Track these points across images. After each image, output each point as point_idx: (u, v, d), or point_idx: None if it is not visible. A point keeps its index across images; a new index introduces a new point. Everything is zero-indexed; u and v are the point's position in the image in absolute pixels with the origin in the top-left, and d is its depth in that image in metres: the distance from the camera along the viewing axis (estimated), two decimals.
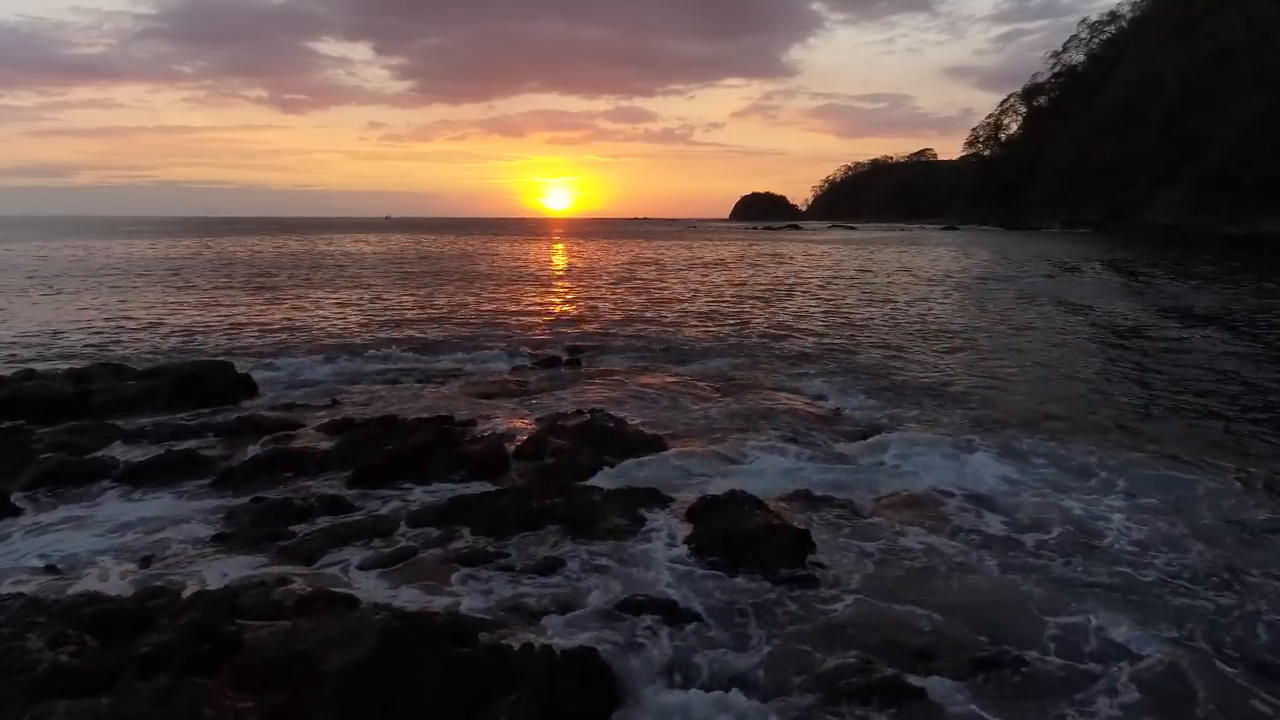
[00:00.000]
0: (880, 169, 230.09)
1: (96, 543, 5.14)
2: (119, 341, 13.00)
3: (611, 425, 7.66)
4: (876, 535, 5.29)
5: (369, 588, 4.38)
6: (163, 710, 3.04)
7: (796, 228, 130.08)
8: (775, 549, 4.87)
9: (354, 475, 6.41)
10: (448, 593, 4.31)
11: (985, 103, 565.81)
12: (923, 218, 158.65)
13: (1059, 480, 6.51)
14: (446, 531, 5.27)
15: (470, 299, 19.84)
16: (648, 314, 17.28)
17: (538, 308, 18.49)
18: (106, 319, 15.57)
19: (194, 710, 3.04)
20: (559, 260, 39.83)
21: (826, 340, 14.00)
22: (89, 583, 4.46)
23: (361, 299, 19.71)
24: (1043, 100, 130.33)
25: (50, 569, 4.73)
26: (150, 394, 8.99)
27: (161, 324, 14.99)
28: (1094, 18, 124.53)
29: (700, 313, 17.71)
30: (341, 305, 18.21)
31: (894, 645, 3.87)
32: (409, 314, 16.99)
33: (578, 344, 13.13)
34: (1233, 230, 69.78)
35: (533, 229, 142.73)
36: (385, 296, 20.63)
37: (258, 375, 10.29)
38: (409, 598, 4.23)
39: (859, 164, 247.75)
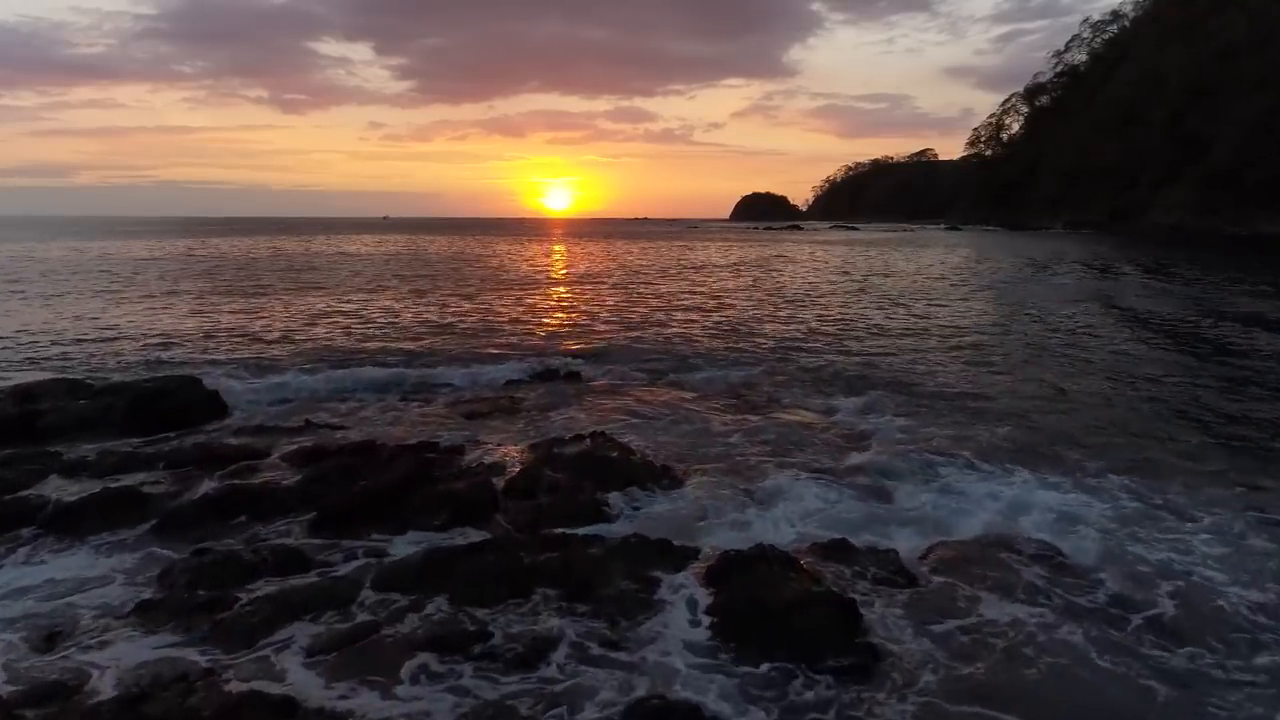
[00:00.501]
0: (881, 169, 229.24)
1: None
2: (83, 351, 12.09)
3: (615, 454, 6.79)
4: (937, 604, 4.41)
5: (310, 686, 3.49)
6: None
7: (798, 228, 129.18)
8: (816, 625, 4.00)
9: (317, 519, 5.53)
10: (407, 697, 3.43)
11: (985, 103, 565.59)
12: (923, 218, 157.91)
13: (1144, 524, 5.63)
14: (417, 598, 4.39)
15: (465, 304, 18.92)
16: (652, 320, 16.38)
17: (535, 314, 17.55)
18: (76, 325, 14.66)
19: None
20: (558, 262, 38.91)
21: (844, 349, 13.11)
22: None
23: (351, 304, 18.79)
24: (1045, 100, 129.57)
25: None
26: (103, 415, 8.10)
27: (135, 331, 14.08)
28: (1096, 17, 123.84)
29: (707, 319, 16.79)
30: (329, 311, 17.29)
31: None
32: (400, 320, 16.09)
33: (578, 354, 12.25)
34: (1237, 231, 69.05)
35: (532, 229, 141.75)
36: (376, 301, 19.73)
37: (229, 390, 9.42)
38: (358, 703, 3.35)
39: (859, 164, 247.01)
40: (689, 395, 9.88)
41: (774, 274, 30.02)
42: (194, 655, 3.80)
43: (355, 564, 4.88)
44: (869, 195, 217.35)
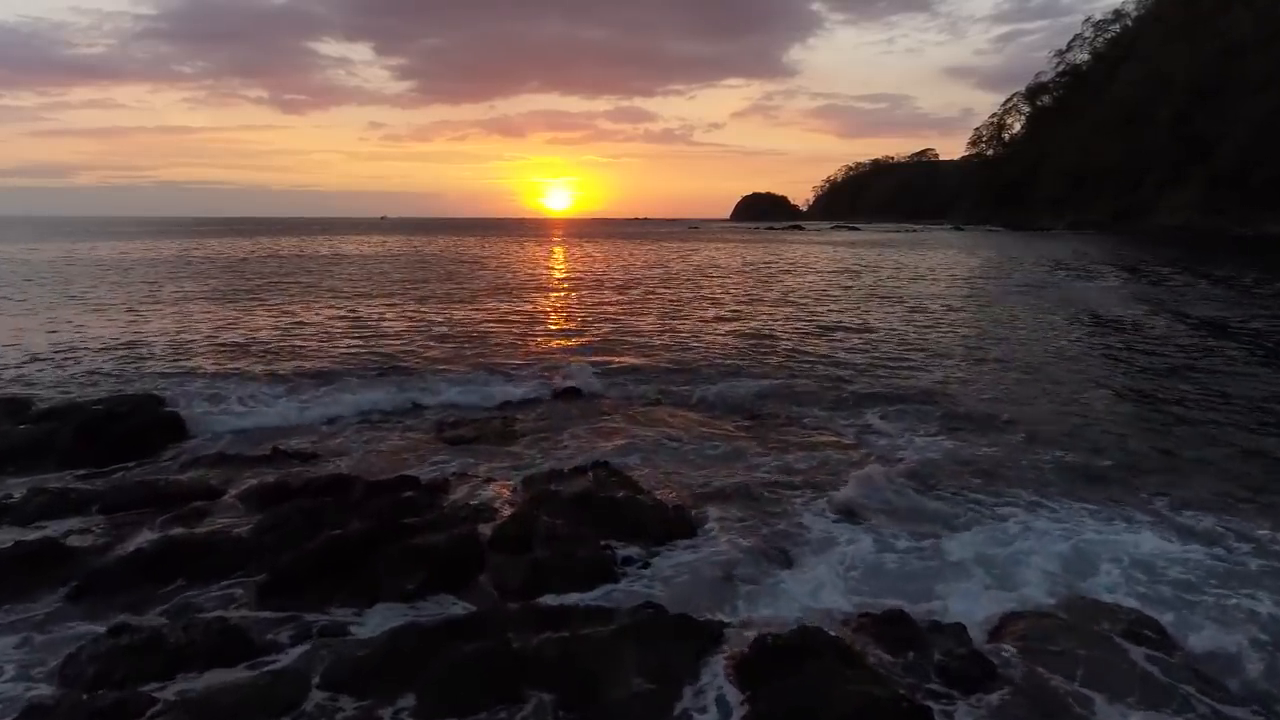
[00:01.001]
0: (881, 169, 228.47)
1: None
2: (42, 364, 11.15)
3: (621, 494, 5.88)
4: (1035, 709, 3.50)
5: None
6: None
7: (799, 228, 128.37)
8: None
9: (267, 582, 4.63)
10: None
11: (985, 103, 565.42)
12: (924, 218, 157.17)
13: (1245, 581, 4.74)
14: (376, 702, 3.49)
15: (459, 310, 17.95)
16: (657, 329, 15.42)
17: (533, 321, 16.57)
18: (40, 334, 13.74)
19: None
20: (558, 265, 37.95)
21: (865, 358, 12.19)
22: None
23: (340, 310, 17.86)
24: (1047, 100, 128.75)
25: None
26: (44, 442, 7.20)
27: (106, 340, 13.14)
28: (1098, 16, 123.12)
29: (717, 325, 15.84)
30: (317, 318, 16.35)
31: None
32: (390, 328, 15.16)
33: (577, 366, 11.31)
34: (1243, 231, 68.30)
35: (532, 229, 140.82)
36: (367, 307, 18.81)
37: (194, 411, 8.52)
38: None
39: (860, 164, 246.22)
40: (701, 414, 8.99)
41: (781, 276, 29.09)
42: None
43: (305, 648, 3.97)
44: (870, 195, 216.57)
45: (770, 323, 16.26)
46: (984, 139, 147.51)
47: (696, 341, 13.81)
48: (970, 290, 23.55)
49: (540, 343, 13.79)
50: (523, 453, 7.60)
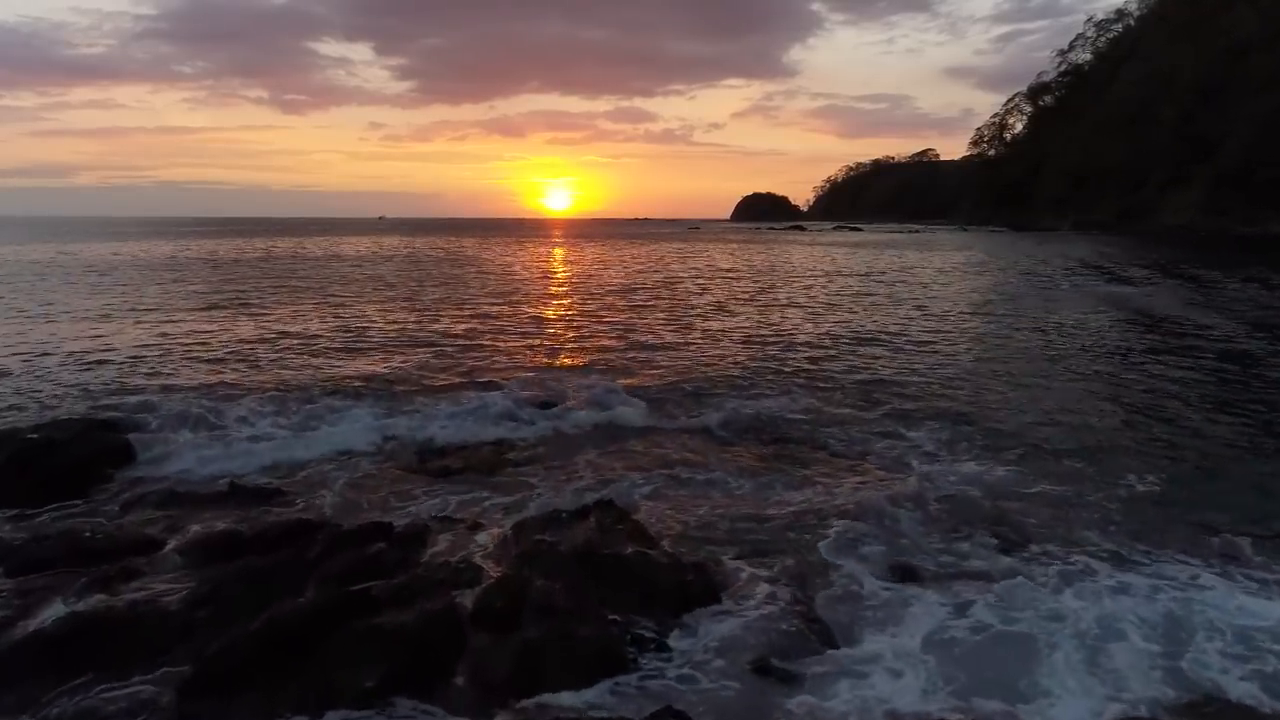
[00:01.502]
0: (882, 169, 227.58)
1: None
2: None
3: (630, 549, 4.96)
4: None
5: None
6: None
7: (801, 228, 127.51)
8: None
9: (191, 679, 3.70)
10: None
11: (985, 103, 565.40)
12: (925, 218, 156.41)
13: None
14: None
15: (451, 320, 16.82)
16: (663, 339, 14.42)
17: (530, 332, 15.47)
18: (5, 345, 12.80)
19: None
20: (558, 267, 36.97)
21: (892, 372, 11.21)
22: None
23: (324, 318, 16.85)
24: (1049, 99, 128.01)
25: None
26: None
27: (64, 353, 12.10)
28: (1100, 16, 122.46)
29: (727, 336, 14.78)
30: (298, 329, 15.24)
31: None
32: (376, 339, 14.16)
33: (578, 382, 10.37)
34: (1248, 231, 67.63)
35: (532, 230, 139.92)
36: (353, 315, 17.86)
37: (148, 438, 7.60)
38: None
39: (860, 164, 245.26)
40: (716, 437, 8.07)
41: (789, 280, 28.12)
42: None
43: None
44: (870, 195, 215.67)
45: (783, 331, 15.31)
46: (985, 139, 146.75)
47: (706, 353, 12.81)
48: (995, 294, 22.52)
49: (536, 355, 12.80)
50: (515, 487, 6.69)
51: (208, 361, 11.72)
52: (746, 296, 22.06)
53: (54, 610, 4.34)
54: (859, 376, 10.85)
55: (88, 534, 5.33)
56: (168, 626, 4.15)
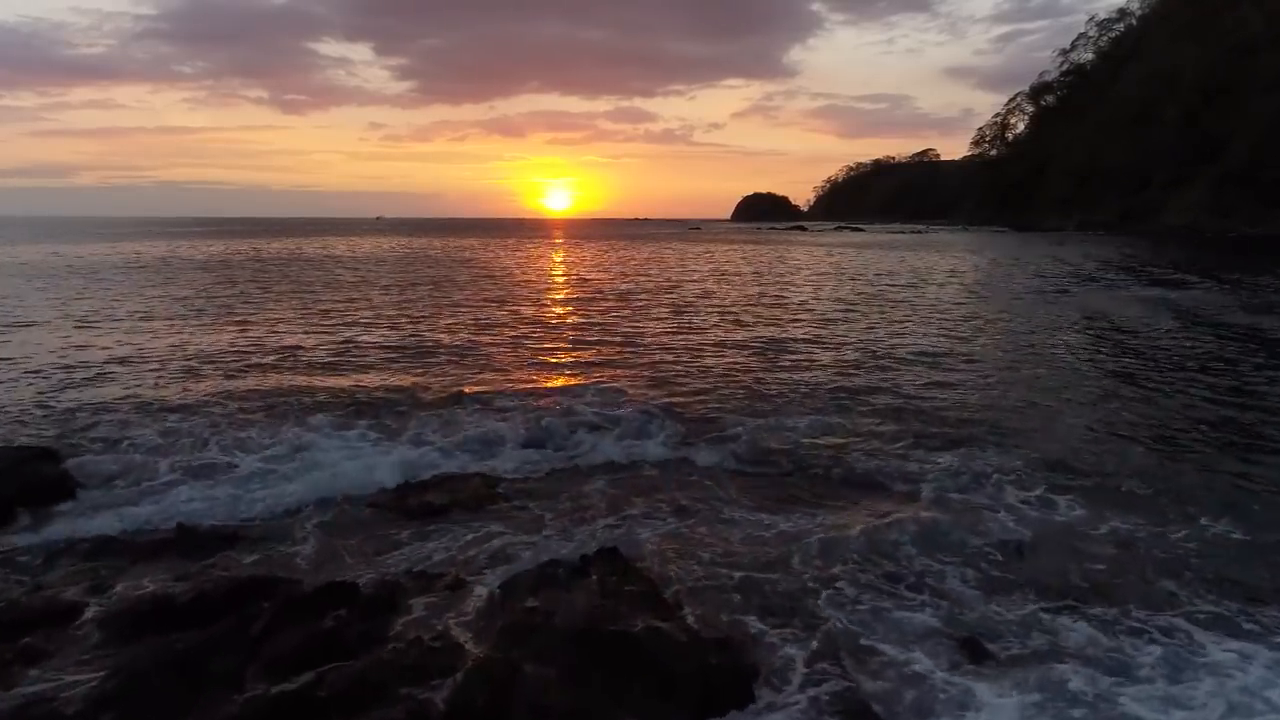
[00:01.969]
0: (882, 169, 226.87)
1: None
2: None
3: (640, 627, 4.11)
4: None
5: None
6: None
7: (802, 229, 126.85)
8: None
9: None
10: None
11: (985, 103, 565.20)
12: (926, 218, 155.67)
13: None
14: None
15: (444, 332, 15.62)
16: (671, 348, 13.49)
17: (528, 342, 14.49)
18: None
19: None
20: (557, 270, 36.02)
21: (918, 387, 10.33)
22: None
23: (311, 328, 15.91)
24: (1051, 99, 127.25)
25: None
26: None
27: (21, 368, 11.28)
28: (1102, 15, 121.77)
29: (741, 346, 13.75)
30: (279, 341, 14.14)
31: None
32: (362, 350, 13.19)
33: (578, 400, 9.50)
34: (1253, 231, 67.03)
35: (532, 230, 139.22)
36: (339, 324, 17.02)
37: (91, 469, 6.77)
38: None
39: (860, 164, 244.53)
40: (735, 467, 7.23)
41: (798, 284, 27.21)
42: None
43: None
44: (871, 196, 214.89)
45: (799, 341, 14.38)
46: (987, 139, 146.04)
47: (719, 368, 11.80)
48: (1020, 298, 21.48)
49: (533, 371, 11.86)
50: (506, 528, 5.85)
51: (180, 377, 10.88)
52: (755, 301, 21.16)
53: None
54: (886, 394, 9.95)
55: None
56: None
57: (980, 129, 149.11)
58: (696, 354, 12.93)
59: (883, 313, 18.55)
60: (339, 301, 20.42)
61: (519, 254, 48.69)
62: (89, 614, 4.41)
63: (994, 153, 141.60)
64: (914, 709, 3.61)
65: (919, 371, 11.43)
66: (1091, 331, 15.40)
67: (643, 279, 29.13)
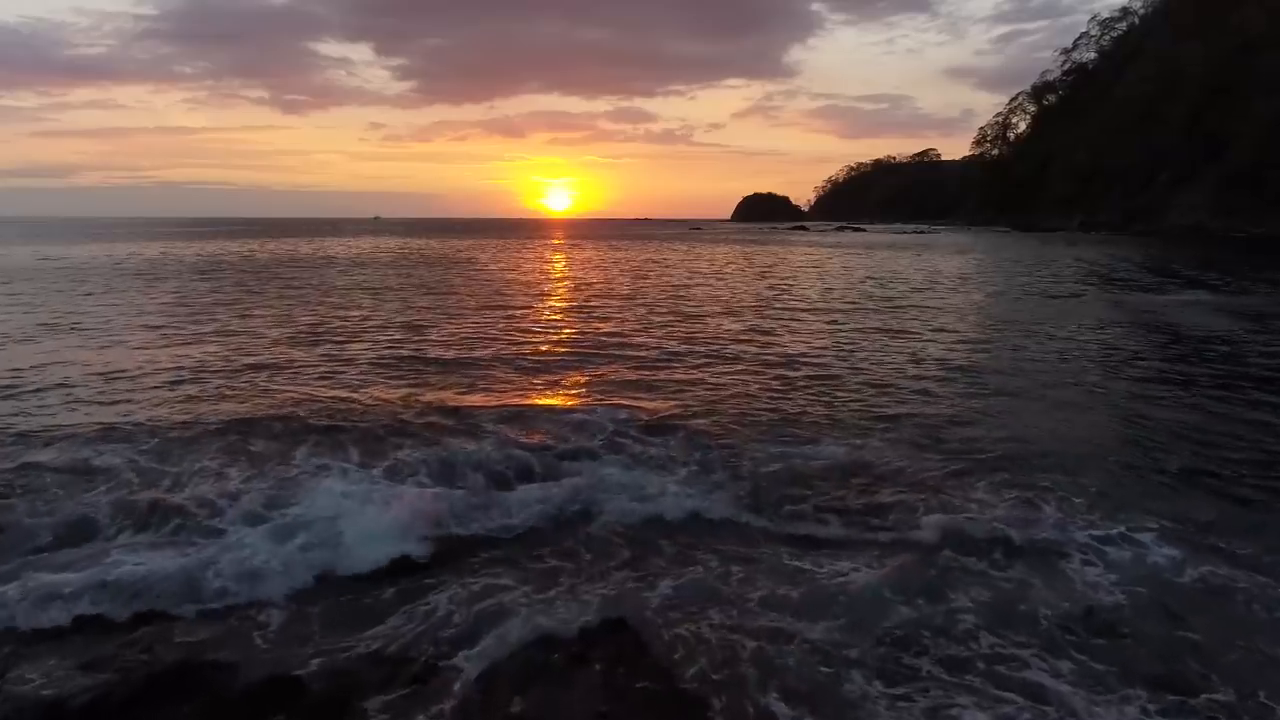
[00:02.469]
0: (883, 169, 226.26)
1: None
2: None
3: None
4: None
5: None
6: None
7: (804, 229, 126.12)
8: None
9: None
10: None
11: (986, 103, 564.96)
12: (927, 218, 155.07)
13: None
14: None
15: (437, 344, 14.46)
16: (678, 357, 12.50)
17: (526, 354, 13.37)
18: None
19: None
20: (557, 273, 35.03)
21: (950, 400, 9.43)
22: None
23: (298, 339, 14.85)
24: (1053, 99, 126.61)
25: None
26: None
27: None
28: (1104, 14, 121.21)
29: (754, 358, 12.64)
30: (251, 358, 12.88)
31: None
32: (348, 366, 12.19)
33: (579, 433, 8.47)
34: (1257, 232, 66.50)
35: (532, 230, 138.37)
36: (327, 332, 16.10)
37: (14, 517, 5.88)
38: None
39: (861, 164, 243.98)
40: (757, 506, 6.31)
41: (803, 286, 26.27)
42: None
43: None
44: (872, 196, 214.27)
45: (816, 351, 13.38)
46: (989, 139, 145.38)
47: (733, 384, 10.73)
48: (1046, 304, 20.43)
49: (527, 389, 10.82)
50: (492, 590, 4.94)
51: (143, 395, 9.94)
52: (765, 308, 20.16)
53: None
54: (918, 416, 8.97)
55: None
56: None
57: (982, 129, 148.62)
58: (709, 370, 11.86)
59: (900, 317, 17.65)
60: (331, 305, 19.50)
61: (519, 258, 47.74)
62: None
63: (996, 153, 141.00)
64: None
65: (955, 388, 10.47)
66: (1141, 339, 14.50)
67: (646, 281, 28.22)
